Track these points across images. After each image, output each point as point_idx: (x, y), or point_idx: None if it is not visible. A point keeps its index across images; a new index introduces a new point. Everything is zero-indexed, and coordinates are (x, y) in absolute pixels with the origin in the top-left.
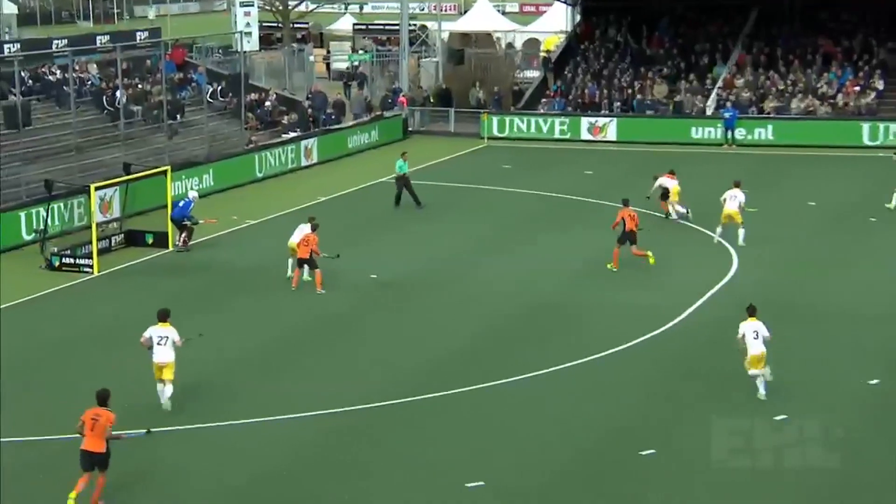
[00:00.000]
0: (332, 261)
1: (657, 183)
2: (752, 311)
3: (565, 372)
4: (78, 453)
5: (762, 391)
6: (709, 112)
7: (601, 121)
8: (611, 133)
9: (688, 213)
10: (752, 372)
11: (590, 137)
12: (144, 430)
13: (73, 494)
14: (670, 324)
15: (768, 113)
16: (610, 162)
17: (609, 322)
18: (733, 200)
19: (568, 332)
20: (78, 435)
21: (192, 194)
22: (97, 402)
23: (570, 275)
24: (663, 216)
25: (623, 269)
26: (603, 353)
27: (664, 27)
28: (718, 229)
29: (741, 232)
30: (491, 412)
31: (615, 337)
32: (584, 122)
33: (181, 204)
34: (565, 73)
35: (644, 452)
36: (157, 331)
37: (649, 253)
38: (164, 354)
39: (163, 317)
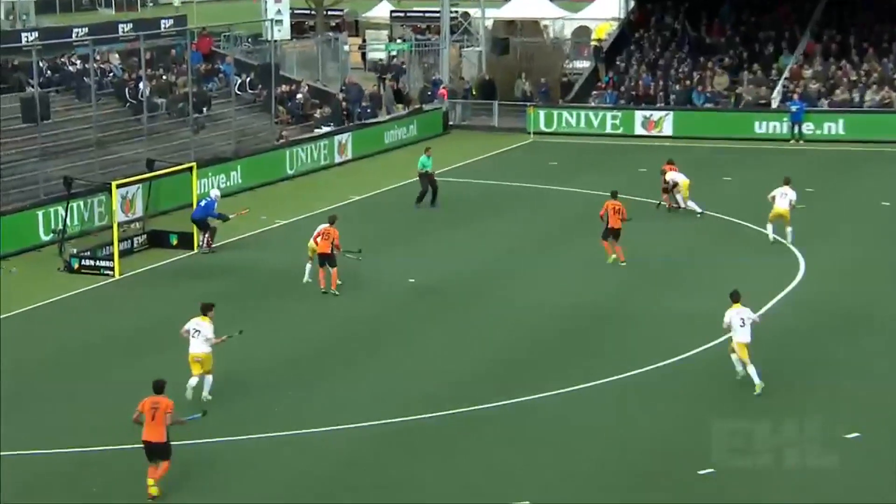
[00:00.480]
0: (368, 264)
1: (669, 178)
2: (736, 298)
3: (615, 384)
4: (91, 466)
5: (757, 380)
6: (774, 105)
7: (656, 115)
8: (667, 128)
9: (702, 213)
10: (734, 357)
11: (644, 132)
12: (201, 413)
13: (150, 482)
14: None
15: (839, 106)
16: (665, 159)
17: (662, 331)
18: (783, 198)
19: (617, 341)
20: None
21: (215, 193)
22: (154, 391)
23: (620, 280)
24: (660, 207)
25: (676, 274)
26: (655, 365)
27: (725, 13)
28: (769, 227)
29: (789, 231)
30: (535, 426)
31: (669, 347)
32: (638, 115)
33: (203, 204)
34: (618, 63)
35: (702, 472)
36: (193, 323)
37: (614, 255)
38: (195, 346)
39: (203, 309)
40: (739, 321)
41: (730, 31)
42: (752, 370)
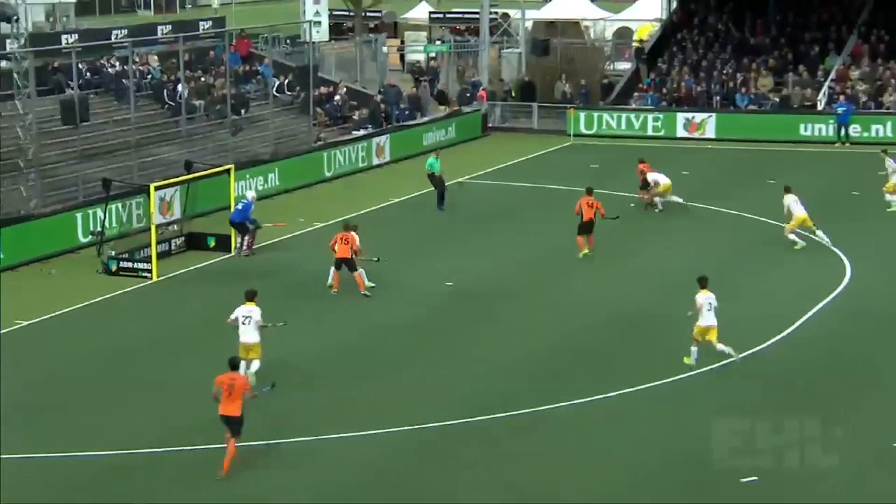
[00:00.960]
0: (405, 267)
1: (651, 179)
2: (703, 283)
3: (659, 390)
4: (129, 470)
5: (734, 354)
6: (820, 107)
7: (699, 117)
8: (709, 130)
9: (685, 203)
10: (693, 349)
11: (686, 135)
12: (270, 385)
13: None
14: (776, 338)
15: (887, 108)
16: (708, 162)
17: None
18: (798, 205)
19: (660, 345)
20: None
21: (251, 195)
22: (230, 368)
23: (663, 284)
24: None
25: (721, 276)
26: (700, 370)
27: (770, 14)
28: (792, 236)
29: (821, 233)
30: (578, 433)
31: (711, 354)
32: (680, 118)
33: (239, 206)
34: (660, 64)
35: (745, 480)
36: (242, 310)
37: (587, 250)
38: (247, 334)
39: (249, 296)
40: (707, 305)
41: (775, 32)
42: (723, 347)
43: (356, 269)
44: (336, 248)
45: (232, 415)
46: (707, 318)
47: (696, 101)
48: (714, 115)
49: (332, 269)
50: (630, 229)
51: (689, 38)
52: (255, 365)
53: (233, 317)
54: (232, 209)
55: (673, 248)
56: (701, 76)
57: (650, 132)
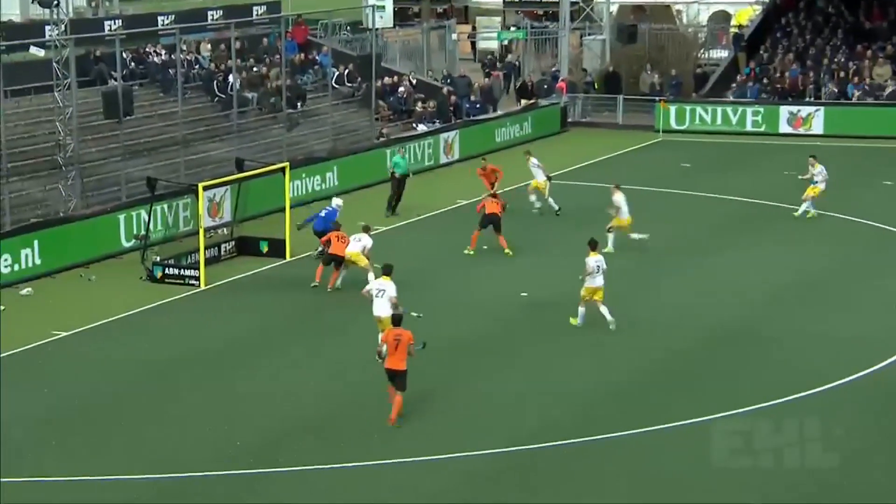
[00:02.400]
0: (476, 276)
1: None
2: (594, 246)
3: (752, 416)
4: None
5: (609, 317)
6: None
7: (805, 110)
8: (817, 125)
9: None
10: (581, 310)
11: (790, 130)
12: (422, 345)
13: (391, 417)
14: (888, 360)
15: None
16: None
17: (806, 356)
18: (625, 206)
19: (755, 367)
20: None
21: (337, 202)
22: (393, 324)
23: (758, 297)
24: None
25: (824, 289)
26: (799, 395)
27: None
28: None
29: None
30: (662, 460)
31: (815, 374)
32: (784, 111)
33: (323, 213)
34: (761, 52)
35: None
36: (377, 283)
37: (508, 251)
38: (381, 308)
39: (387, 271)
40: (596, 267)
41: (893, 15)
42: (605, 309)
43: (341, 268)
44: (334, 244)
45: (398, 368)
46: (598, 280)
47: (801, 92)
48: (822, 108)
49: (371, 274)
50: (723, 238)
51: (794, 22)
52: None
53: (367, 289)
54: (288, 211)
55: (774, 256)
56: (808, 65)
57: (749, 128)
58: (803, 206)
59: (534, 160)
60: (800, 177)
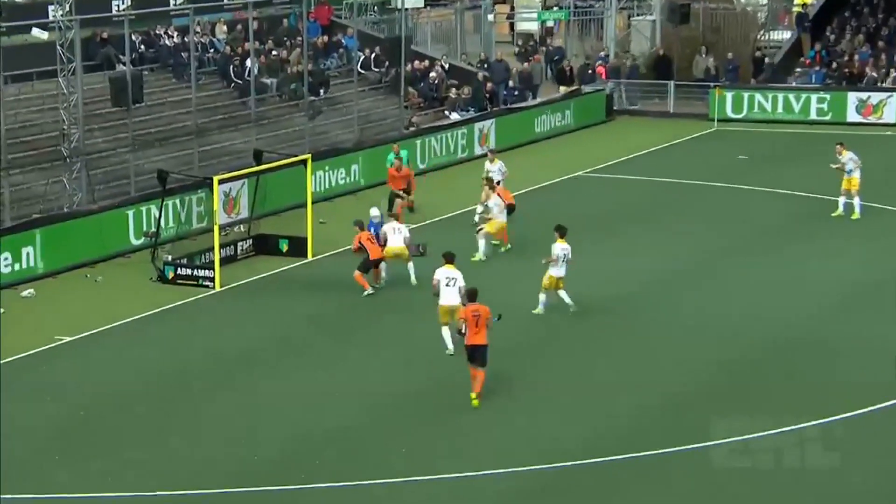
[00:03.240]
0: (515, 279)
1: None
2: (562, 233)
3: (815, 431)
4: None
5: (569, 301)
6: None
7: (875, 97)
8: (889, 114)
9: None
10: (542, 297)
11: (859, 119)
12: (497, 316)
13: (473, 395)
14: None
15: None
16: (887, 152)
17: (878, 366)
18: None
19: (821, 377)
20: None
21: (374, 212)
22: (469, 300)
23: (823, 302)
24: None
25: (888, 294)
26: (872, 408)
27: None
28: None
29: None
30: (716, 478)
31: (887, 386)
32: (852, 98)
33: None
34: (827, 33)
35: None
36: (445, 272)
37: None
38: (451, 297)
39: (450, 258)
40: (563, 256)
41: None
42: (564, 294)
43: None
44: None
45: (480, 343)
46: (561, 270)
47: (872, 78)
48: (894, 95)
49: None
50: (783, 236)
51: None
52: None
53: (437, 277)
54: (310, 208)
55: (843, 257)
56: (879, 47)
57: (814, 116)
58: (841, 204)
59: (499, 164)
60: (832, 165)
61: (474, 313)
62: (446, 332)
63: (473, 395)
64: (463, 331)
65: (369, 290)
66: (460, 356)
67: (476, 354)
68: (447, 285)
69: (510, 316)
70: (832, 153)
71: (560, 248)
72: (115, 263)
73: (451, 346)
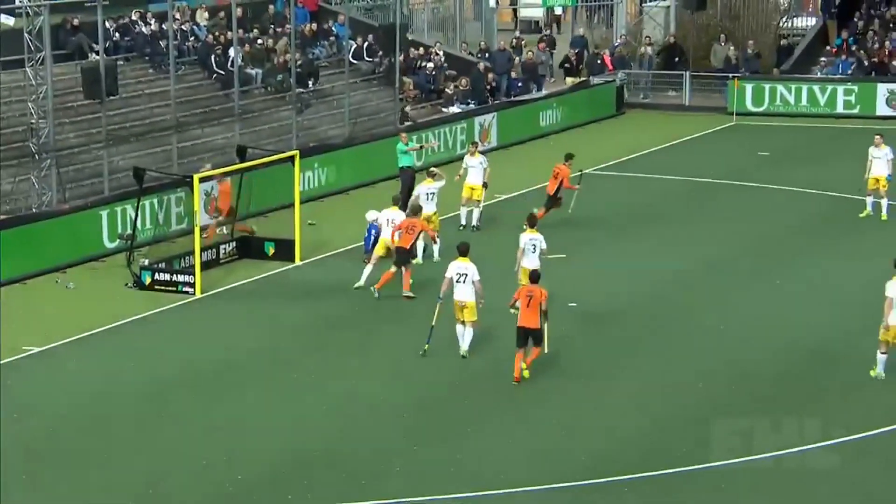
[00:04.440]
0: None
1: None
2: (532, 222)
3: (846, 449)
4: None
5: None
6: None
7: None
8: None
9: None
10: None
11: (889, 112)
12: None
13: (523, 365)
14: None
15: None
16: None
17: None
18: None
19: (849, 391)
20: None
21: (371, 216)
22: (531, 281)
23: (852, 310)
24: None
25: None
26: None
27: None
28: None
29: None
30: (744, 500)
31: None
32: (882, 90)
33: (371, 237)
34: (855, 20)
35: None
36: (456, 266)
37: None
38: (462, 292)
39: (463, 251)
40: (532, 247)
41: None
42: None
43: (409, 266)
44: (395, 237)
45: (531, 327)
46: (532, 261)
47: None
48: None
49: (370, 270)
50: (810, 239)
51: None
52: (469, 336)
53: (449, 273)
54: (297, 207)
55: (874, 260)
56: None
57: (840, 109)
58: (869, 204)
59: (480, 158)
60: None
61: (528, 294)
62: (461, 331)
63: (524, 365)
64: (515, 307)
65: (408, 293)
66: (465, 361)
67: (525, 336)
68: (459, 281)
69: (510, 316)
70: (860, 149)
71: (527, 237)
72: (88, 268)
73: (465, 346)
